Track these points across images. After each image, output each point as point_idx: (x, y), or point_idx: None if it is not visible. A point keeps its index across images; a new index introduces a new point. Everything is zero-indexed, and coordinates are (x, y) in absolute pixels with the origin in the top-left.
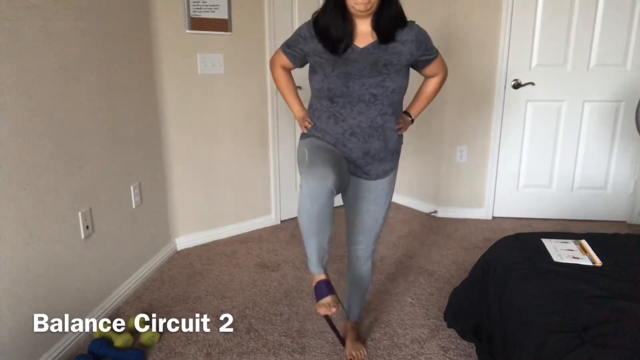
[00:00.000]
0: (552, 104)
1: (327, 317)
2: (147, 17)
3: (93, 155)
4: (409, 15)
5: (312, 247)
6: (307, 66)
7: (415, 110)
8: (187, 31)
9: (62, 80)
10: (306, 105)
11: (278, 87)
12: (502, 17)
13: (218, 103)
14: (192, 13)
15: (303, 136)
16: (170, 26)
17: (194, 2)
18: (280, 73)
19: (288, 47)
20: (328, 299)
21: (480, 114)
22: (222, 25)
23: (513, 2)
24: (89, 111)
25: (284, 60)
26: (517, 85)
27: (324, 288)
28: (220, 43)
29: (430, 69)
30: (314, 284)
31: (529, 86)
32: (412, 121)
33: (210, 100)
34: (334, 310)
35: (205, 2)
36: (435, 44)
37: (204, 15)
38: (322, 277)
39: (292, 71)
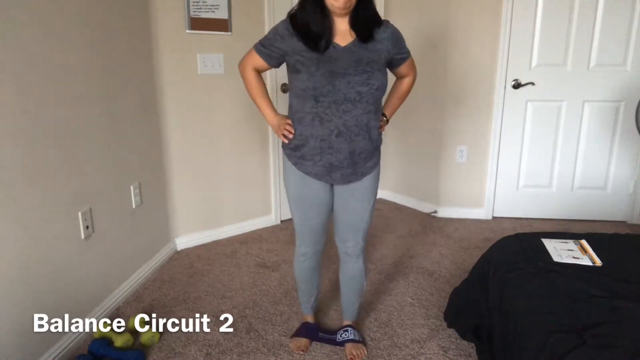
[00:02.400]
0: (552, 104)
1: (311, 336)
2: (147, 17)
3: (93, 155)
4: (410, 16)
5: (304, 292)
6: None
7: (390, 111)
8: (187, 31)
9: (62, 80)
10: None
11: (249, 91)
12: (502, 17)
13: (218, 103)
14: (192, 13)
15: (286, 157)
16: (170, 26)
17: (194, 2)
18: (252, 75)
19: (263, 47)
20: (303, 341)
21: (480, 114)
22: (222, 25)
23: (513, 2)
24: (89, 111)
25: (257, 61)
26: (517, 85)
27: (304, 330)
28: (220, 43)
29: (403, 68)
30: (302, 322)
31: (529, 86)
32: (387, 121)
33: (210, 100)
34: (301, 352)
35: (205, 2)
36: (435, 44)
37: (204, 15)
38: (309, 319)
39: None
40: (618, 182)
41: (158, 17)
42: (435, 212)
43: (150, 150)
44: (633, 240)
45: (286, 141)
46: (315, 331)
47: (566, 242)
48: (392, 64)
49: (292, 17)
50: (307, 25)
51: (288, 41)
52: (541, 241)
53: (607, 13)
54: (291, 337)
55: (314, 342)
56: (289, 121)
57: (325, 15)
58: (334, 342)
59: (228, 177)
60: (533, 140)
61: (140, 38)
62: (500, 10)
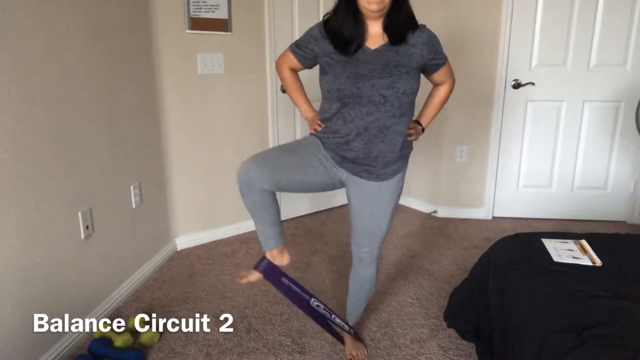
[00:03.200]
0: (552, 104)
1: (320, 321)
2: (147, 17)
3: (93, 155)
4: None
5: (260, 220)
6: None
7: (426, 119)
8: (187, 31)
9: (62, 80)
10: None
11: (286, 88)
12: (502, 17)
13: (218, 103)
14: (192, 13)
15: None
16: (170, 26)
17: (194, 2)
18: (288, 74)
19: (297, 48)
20: (255, 275)
21: (480, 114)
22: (222, 25)
23: (513, 2)
24: (89, 111)
25: (292, 61)
26: (517, 85)
27: (266, 267)
28: (220, 43)
29: (439, 75)
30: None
31: (529, 86)
32: (423, 130)
33: (210, 100)
34: (243, 282)
35: (205, 2)
36: None
37: (204, 15)
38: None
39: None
40: (618, 182)
41: (158, 17)
42: (435, 212)
43: (150, 150)
44: (633, 240)
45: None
46: (278, 272)
47: (566, 242)
48: (427, 70)
49: (327, 21)
50: (340, 30)
51: (320, 43)
52: (541, 241)
53: (607, 13)
54: (257, 268)
55: (314, 341)
56: (319, 123)
57: (358, 19)
58: (336, 334)
59: (228, 177)
60: (533, 140)
61: (140, 38)
62: (500, 10)
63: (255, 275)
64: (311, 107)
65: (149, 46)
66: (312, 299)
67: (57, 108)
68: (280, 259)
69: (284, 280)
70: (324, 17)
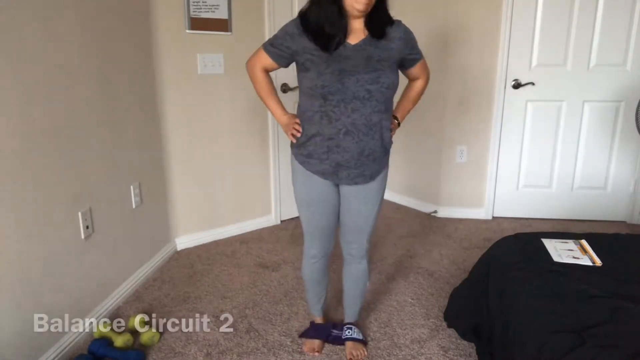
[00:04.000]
0: (552, 104)
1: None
2: (147, 17)
3: (93, 155)
4: (410, 15)
5: (314, 294)
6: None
7: (401, 113)
8: (187, 31)
9: (62, 80)
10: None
11: (258, 91)
12: (502, 17)
13: (218, 103)
14: (192, 13)
15: (294, 157)
16: (170, 26)
17: (194, 2)
18: (261, 76)
19: (272, 46)
20: (317, 343)
21: (480, 114)
22: (222, 25)
23: (513, 2)
24: (89, 111)
25: (265, 60)
26: (517, 85)
27: (316, 331)
28: (220, 43)
29: (416, 70)
30: (311, 321)
31: (529, 86)
32: (399, 124)
33: (210, 100)
34: (316, 354)
35: (205, 2)
36: (435, 44)
37: (204, 15)
38: (318, 320)
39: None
40: (618, 182)
41: (158, 17)
42: (435, 212)
43: (150, 150)
44: (633, 240)
45: (294, 140)
46: (326, 331)
47: (566, 242)
48: (404, 65)
49: (303, 15)
50: (321, 26)
51: (298, 40)
52: (541, 241)
53: (607, 13)
54: (300, 338)
55: (326, 342)
56: (298, 120)
57: (342, 16)
58: (341, 340)
59: (228, 177)
60: (533, 140)
61: (140, 38)
62: (500, 10)
63: (317, 342)
64: (285, 110)
65: (149, 46)
66: (344, 330)
67: (57, 108)
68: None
69: (332, 331)
70: (299, 12)
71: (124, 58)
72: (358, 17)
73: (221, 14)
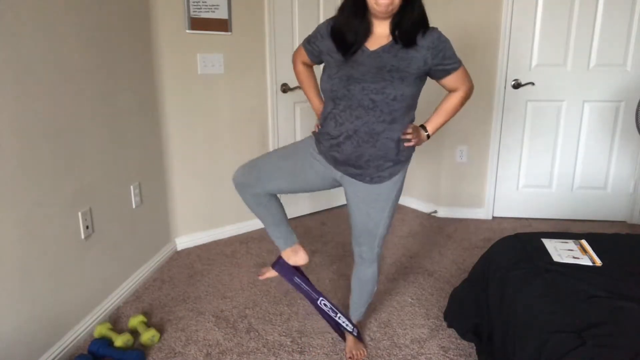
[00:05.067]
0: (552, 104)
1: (327, 318)
2: (147, 17)
3: (93, 155)
4: None
5: (261, 218)
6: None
7: (432, 125)
8: (187, 31)
9: (62, 80)
10: None
11: (299, 82)
12: (502, 17)
13: (218, 103)
14: (192, 13)
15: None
16: (170, 26)
17: (194, 2)
18: (301, 69)
19: (308, 43)
20: (271, 272)
21: (480, 114)
22: (222, 25)
23: (513, 2)
24: (89, 111)
25: (303, 55)
26: (517, 85)
27: (285, 270)
28: (220, 43)
29: (450, 80)
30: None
31: (529, 86)
32: (428, 137)
33: (210, 100)
34: (260, 277)
35: (205, 2)
36: None
37: (204, 15)
38: (287, 253)
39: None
40: (618, 182)
41: (158, 17)
42: (435, 212)
43: (150, 150)
44: (633, 240)
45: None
46: (291, 272)
47: (566, 242)
48: (434, 76)
49: (335, 18)
50: (341, 29)
51: (326, 41)
52: (541, 241)
53: (607, 13)
54: (276, 265)
55: (314, 341)
56: (317, 124)
57: (364, 18)
58: (314, 303)
59: (228, 177)
60: (533, 140)
61: (140, 38)
62: (500, 10)
63: (272, 273)
64: (322, 102)
65: (149, 46)
66: (320, 298)
67: (57, 108)
68: (295, 258)
69: (296, 279)
70: (334, 15)
71: (124, 58)
72: (382, 19)
73: (221, 14)
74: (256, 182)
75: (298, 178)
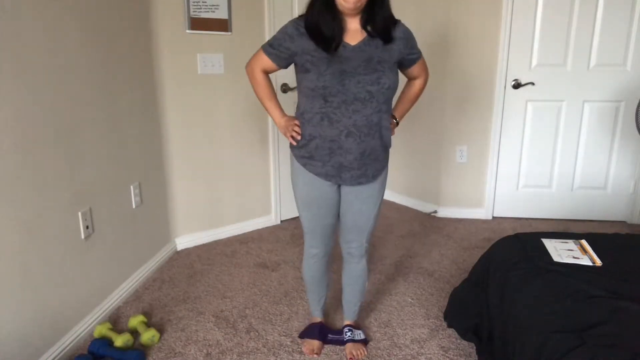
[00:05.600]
0: (552, 104)
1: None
2: (147, 17)
3: (93, 155)
4: (410, 16)
5: (314, 294)
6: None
7: (400, 113)
8: (187, 31)
9: (62, 79)
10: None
11: (257, 93)
12: (502, 17)
13: (218, 103)
14: (192, 13)
15: (294, 157)
16: (170, 26)
17: (194, 2)
18: (260, 77)
19: (271, 47)
20: (316, 344)
21: (480, 114)
22: (222, 25)
23: (513, 2)
24: (89, 111)
25: (265, 62)
26: (517, 85)
27: (316, 332)
28: (220, 43)
29: (415, 69)
30: (310, 322)
31: (529, 86)
32: (397, 123)
33: (210, 100)
34: (316, 356)
35: (205, 2)
36: (435, 44)
37: (204, 15)
38: (319, 320)
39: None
40: (618, 182)
41: (158, 17)
42: (435, 212)
43: (150, 150)
44: (633, 240)
45: (294, 143)
46: (325, 332)
47: (566, 242)
48: (403, 65)
49: (303, 17)
50: (318, 26)
51: (298, 41)
52: (541, 241)
53: (607, 13)
54: (300, 338)
55: (325, 344)
56: (297, 122)
57: (335, 15)
58: (342, 342)
59: (228, 177)
60: (533, 140)
61: (140, 38)
62: (500, 10)
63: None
64: (283, 112)
65: (149, 46)
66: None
67: (57, 108)
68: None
69: (330, 336)
70: (300, 15)
71: (124, 58)
72: (352, 16)
73: (221, 14)
74: (321, 244)
75: (331, 205)
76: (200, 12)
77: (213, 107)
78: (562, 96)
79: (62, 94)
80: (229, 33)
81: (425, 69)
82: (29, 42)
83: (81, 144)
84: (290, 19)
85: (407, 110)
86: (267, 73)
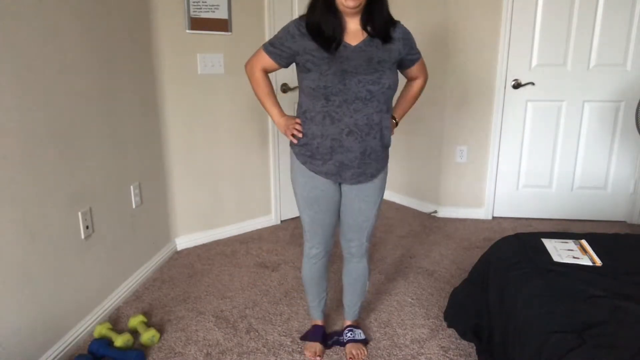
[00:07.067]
0: (552, 103)
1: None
2: (147, 17)
3: (93, 155)
4: (410, 16)
5: (314, 295)
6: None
7: (399, 113)
8: (187, 31)
9: (62, 80)
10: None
11: (256, 92)
12: (502, 17)
13: (218, 103)
14: (192, 13)
15: (294, 156)
16: (170, 26)
17: (194, 2)
18: (260, 76)
19: (272, 46)
20: (318, 347)
21: (480, 114)
22: (222, 25)
23: (513, 2)
24: (89, 111)
25: (266, 61)
26: (517, 85)
27: (318, 334)
28: (220, 43)
29: (414, 70)
30: (311, 325)
31: (529, 86)
32: (397, 124)
33: (210, 100)
34: (318, 358)
35: (205, 2)
36: (435, 44)
37: (204, 15)
38: (319, 322)
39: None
40: (618, 182)
41: (158, 17)
42: (435, 212)
43: (150, 150)
44: (633, 240)
45: (295, 141)
46: (326, 336)
47: (566, 242)
48: (403, 65)
49: (305, 17)
50: (319, 26)
51: (299, 41)
52: (541, 241)
53: (607, 13)
54: (302, 340)
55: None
56: (298, 120)
57: (335, 15)
58: (342, 344)
59: (228, 177)
60: (533, 140)
61: (140, 38)
62: (500, 10)
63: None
64: (282, 112)
65: (149, 46)
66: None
67: (57, 108)
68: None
69: (331, 341)
70: (301, 15)
71: (124, 58)
72: (352, 16)
73: (221, 14)
74: (322, 243)
75: (332, 204)
76: (200, 12)
77: (213, 107)
78: (562, 96)
79: (62, 94)
80: (229, 33)
81: (424, 70)
82: (29, 42)
83: (81, 144)
84: (290, 19)
85: (407, 110)
86: (266, 72)
